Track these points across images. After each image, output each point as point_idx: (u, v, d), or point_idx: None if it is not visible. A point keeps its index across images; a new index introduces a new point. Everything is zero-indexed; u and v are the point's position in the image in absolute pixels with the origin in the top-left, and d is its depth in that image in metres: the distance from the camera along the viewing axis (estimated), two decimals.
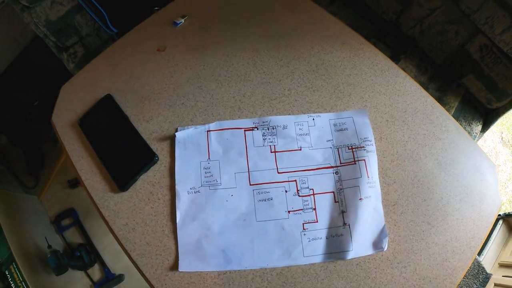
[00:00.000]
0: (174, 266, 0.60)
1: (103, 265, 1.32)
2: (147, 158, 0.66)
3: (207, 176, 0.63)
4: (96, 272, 1.32)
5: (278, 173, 0.63)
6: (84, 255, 1.28)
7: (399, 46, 1.13)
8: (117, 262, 1.33)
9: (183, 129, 0.66)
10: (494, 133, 1.64)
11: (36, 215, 1.37)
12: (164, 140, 0.67)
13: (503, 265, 1.31)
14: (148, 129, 0.69)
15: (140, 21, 1.00)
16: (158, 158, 0.66)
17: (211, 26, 0.80)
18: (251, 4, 0.84)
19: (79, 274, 1.31)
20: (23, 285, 1.23)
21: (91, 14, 1.10)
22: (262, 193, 0.61)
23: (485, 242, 1.36)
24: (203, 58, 0.75)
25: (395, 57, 1.11)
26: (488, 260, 1.34)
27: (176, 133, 0.65)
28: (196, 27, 0.80)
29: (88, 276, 1.31)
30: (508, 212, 1.37)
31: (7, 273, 1.26)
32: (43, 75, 1.37)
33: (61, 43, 1.14)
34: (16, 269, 1.25)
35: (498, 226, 1.37)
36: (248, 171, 0.63)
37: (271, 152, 0.64)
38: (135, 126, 0.69)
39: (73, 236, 1.37)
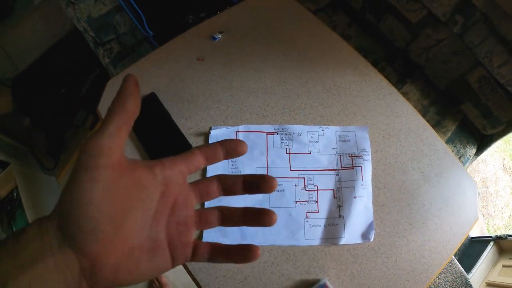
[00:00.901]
0: (198, 238, 0.82)
1: None
2: (184, 149, 0.90)
3: (233, 168, 0.88)
4: None
5: (291, 170, 0.88)
6: None
7: (406, 71, 1.38)
8: None
9: (216, 128, 0.91)
10: (496, 159, 1.89)
11: (54, 195, 1.61)
12: (199, 135, 0.92)
13: (490, 284, 1.54)
14: (186, 125, 0.94)
15: (175, 27, 1.26)
16: None
17: (244, 43, 1.05)
18: (279, 28, 1.10)
19: None
20: None
21: (130, 16, 1.36)
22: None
23: (475, 261, 1.60)
24: (237, 71, 1.00)
25: (401, 81, 1.37)
26: (476, 279, 1.57)
27: (211, 131, 0.91)
28: (231, 43, 1.06)
29: None
30: (500, 235, 1.61)
31: None
32: (74, 66, 1.62)
33: (99, 38, 1.39)
34: None
35: (489, 247, 1.61)
36: (267, 167, 0.88)
37: (286, 153, 0.89)
38: (176, 122, 0.94)
39: None
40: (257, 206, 0.80)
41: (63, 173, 1.67)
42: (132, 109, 0.29)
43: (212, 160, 0.34)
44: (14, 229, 1.54)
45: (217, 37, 1.05)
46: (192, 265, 0.82)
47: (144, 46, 1.41)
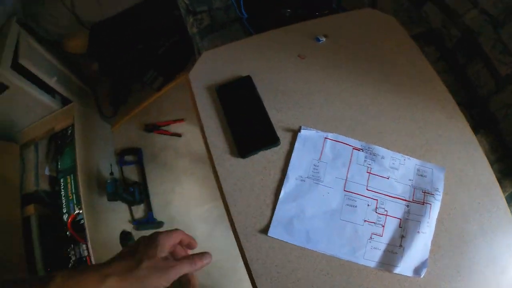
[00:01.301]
0: (264, 230, 0.87)
1: (149, 207, 1.63)
2: (271, 139, 0.95)
3: (314, 172, 0.92)
4: (139, 211, 1.63)
5: (367, 189, 0.92)
6: (136, 192, 1.59)
7: (482, 121, 1.40)
8: (162, 211, 1.64)
9: (306, 129, 0.96)
10: None
11: (105, 142, 1.68)
12: (288, 131, 0.97)
13: None
14: (276, 117, 0.99)
15: (271, 16, 1.30)
16: (280, 143, 0.95)
17: (347, 53, 1.10)
18: (381, 48, 1.14)
19: (124, 207, 1.62)
20: (73, 196, 1.51)
21: None
22: (350, 200, 0.91)
23: None
24: (335, 79, 1.05)
25: (475, 129, 1.38)
26: None
27: (301, 130, 0.95)
28: (334, 49, 1.10)
29: (131, 212, 1.62)
30: None
31: (61, 181, 1.57)
32: (157, 26, 1.68)
33: (192, 7, 1.44)
34: (72, 181, 1.55)
35: None
36: (346, 180, 0.92)
37: (367, 172, 0.94)
38: (267, 110, 0.99)
39: (131, 173, 1.68)
40: (328, 214, 0.85)
41: (118, 124, 1.74)
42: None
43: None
44: (58, 163, 1.61)
45: (321, 39, 1.09)
46: (249, 254, 0.86)
47: (235, 26, 1.45)
